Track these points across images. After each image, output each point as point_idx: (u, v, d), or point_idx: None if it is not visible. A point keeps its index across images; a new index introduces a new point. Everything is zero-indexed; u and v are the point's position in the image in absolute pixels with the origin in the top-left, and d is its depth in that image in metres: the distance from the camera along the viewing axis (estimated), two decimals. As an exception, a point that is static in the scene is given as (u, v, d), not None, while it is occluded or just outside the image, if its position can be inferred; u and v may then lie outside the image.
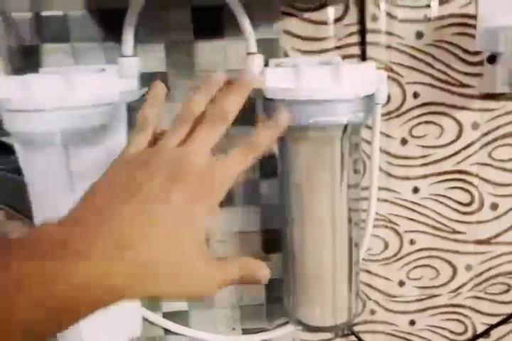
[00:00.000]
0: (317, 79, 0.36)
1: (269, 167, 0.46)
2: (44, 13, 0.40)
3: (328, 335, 0.51)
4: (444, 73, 0.45)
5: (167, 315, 0.48)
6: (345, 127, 0.37)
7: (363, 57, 0.44)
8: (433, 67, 0.45)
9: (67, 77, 0.34)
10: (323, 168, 0.38)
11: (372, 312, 0.51)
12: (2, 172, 0.43)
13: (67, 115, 0.34)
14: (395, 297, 0.51)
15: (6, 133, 0.37)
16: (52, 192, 0.37)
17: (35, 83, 0.34)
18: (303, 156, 0.38)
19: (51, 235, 0.23)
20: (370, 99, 0.38)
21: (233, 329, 0.49)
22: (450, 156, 0.47)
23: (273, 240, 0.47)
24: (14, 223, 0.45)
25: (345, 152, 0.38)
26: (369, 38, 0.44)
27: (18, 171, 0.38)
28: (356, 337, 0.50)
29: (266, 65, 0.41)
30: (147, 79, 0.38)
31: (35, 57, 0.41)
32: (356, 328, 0.51)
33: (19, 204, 0.44)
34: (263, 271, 0.29)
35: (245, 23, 0.37)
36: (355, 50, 0.44)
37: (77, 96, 0.34)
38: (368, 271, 0.50)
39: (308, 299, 0.42)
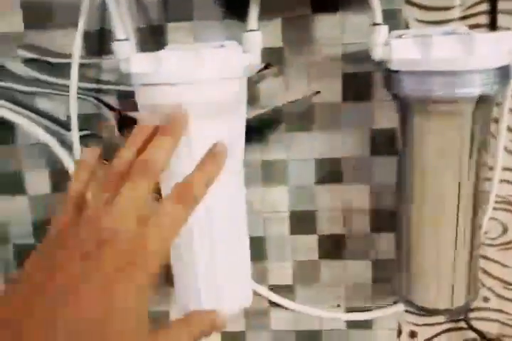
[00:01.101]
0: (447, 49, 0.34)
1: (381, 144, 0.45)
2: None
3: (437, 319, 0.49)
4: None
5: (273, 288, 0.49)
6: (478, 100, 0.35)
7: (492, 27, 0.41)
8: None
9: (197, 52, 0.35)
10: (453, 144, 0.36)
11: (486, 299, 0.48)
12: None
13: (196, 89, 0.35)
14: (511, 284, 0.48)
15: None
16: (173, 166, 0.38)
17: (166, 58, 0.36)
18: (431, 131, 0.37)
19: None
20: (505, 70, 0.35)
21: (338, 305, 0.49)
22: None
23: (382, 220, 0.47)
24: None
25: (476, 128, 0.36)
26: (501, 5, 0.40)
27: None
28: (467, 323, 0.48)
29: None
30: (264, 54, 0.38)
31: (160, 36, 0.43)
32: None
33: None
34: (218, 318, 0.28)
35: (372, -8, 0.36)
36: (484, 19, 0.41)
37: (206, 70, 0.35)
38: (484, 256, 0.47)
39: (424, 280, 0.41)
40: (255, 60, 0.38)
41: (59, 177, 0.47)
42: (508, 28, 0.41)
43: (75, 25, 0.41)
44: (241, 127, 0.39)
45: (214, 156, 0.32)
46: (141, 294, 0.24)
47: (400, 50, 0.36)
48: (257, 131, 0.45)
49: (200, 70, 0.35)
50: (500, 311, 0.49)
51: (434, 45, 0.34)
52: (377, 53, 0.37)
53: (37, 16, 0.43)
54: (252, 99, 0.43)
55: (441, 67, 0.34)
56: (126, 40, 0.38)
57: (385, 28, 0.37)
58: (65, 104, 0.45)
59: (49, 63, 0.44)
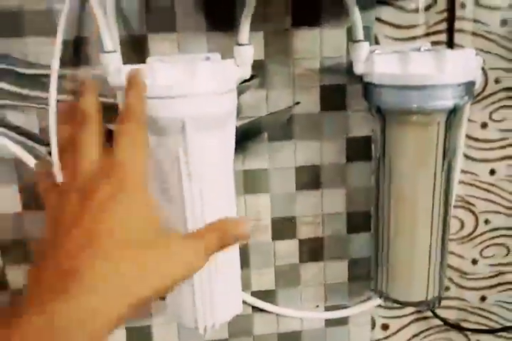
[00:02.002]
0: (423, 65, 0.38)
1: (356, 151, 0.48)
2: (153, 4, 0.41)
3: (405, 311, 0.53)
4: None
5: (255, 294, 0.50)
6: (451, 111, 0.39)
7: (450, 44, 0.45)
8: (516, 53, 0.47)
9: (192, 66, 0.35)
10: (428, 153, 0.40)
11: (447, 288, 0.54)
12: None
13: (192, 102, 0.35)
14: (467, 274, 0.54)
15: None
16: (170, 179, 0.38)
17: (161, 71, 0.35)
18: (408, 139, 0.40)
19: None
20: (472, 83, 0.39)
21: (317, 306, 0.52)
22: (527, 139, 0.49)
23: (357, 221, 0.50)
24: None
25: (448, 136, 0.40)
26: (457, 25, 0.45)
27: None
28: (432, 312, 0.53)
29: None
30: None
31: (142, 47, 0.42)
32: (430, 304, 0.53)
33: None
34: (243, 226, 0.31)
35: (355, 10, 0.39)
36: (443, 38, 0.46)
37: (201, 83, 0.35)
38: (445, 250, 0.52)
39: (402, 276, 0.45)
40: (246, 74, 0.39)
41: (31, 195, 0.44)
42: (461, 46, 0.46)
43: (49, 32, 0.39)
44: (232, 138, 0.40)
45: (133, 77, 0.35)
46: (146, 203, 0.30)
47: (381, 65, 0.39)
48: (240, 141, 0.45)
49: (196, 84, 0.35)
50: (458, 298, 0.54)
51: (411, 61, 0.38)
52: (359, 68, 0.40)
53: (6, 23, 0.40)
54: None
55: (418, 81, 0.38)
56: (114, 51, 0.37)
57: (366, 45, 0.40)
58: (37, 117, 0.42)
59: (20, 73, 0.41)
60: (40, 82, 0.41)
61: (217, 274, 0.40)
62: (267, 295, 0.50)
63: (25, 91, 0.42)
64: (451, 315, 0.54)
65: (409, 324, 0.54)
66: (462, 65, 0.38)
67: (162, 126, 0.36)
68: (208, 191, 0.38)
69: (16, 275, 0.46)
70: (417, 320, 0.54)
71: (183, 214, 0.38)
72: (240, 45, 0.38)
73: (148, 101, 0.35)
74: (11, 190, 0.44)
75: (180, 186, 0.37)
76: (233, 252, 0.42)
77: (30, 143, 0.43)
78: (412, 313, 0.54)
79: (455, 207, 0.50)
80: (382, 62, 0.39)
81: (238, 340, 0.52)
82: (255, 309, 0.51)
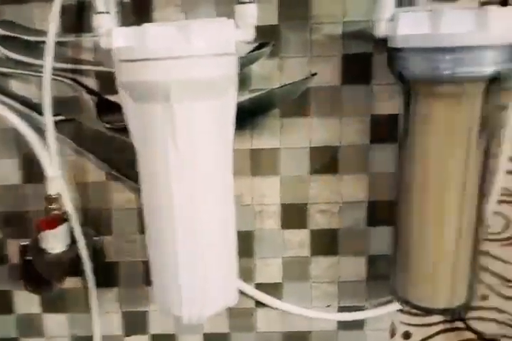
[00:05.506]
0: (458, 24, 0.31)
1: (380, 131, 0.42)
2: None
3: (433, 319, 0.47)
4: None
5: (260, 287, 0.46)
6: (489, 81, 0.32)
7: (504, 4, 0.38)
8: None
9: (184, 26, 0.31)
10: (460, 132, 0.33)
11: (484, 297, 0.46)
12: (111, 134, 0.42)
13: (183, 64, 0.32)
14: (511, 282, 0.46)
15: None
16: (157, 149, 0.34)
17: (150, 32, 0.32)
18: (437, 116, 0.34)
19: None
20: (520, 48, 0.32)
21: (328, 306, 0.46)
22: None
23: (380, 213, 0.43)
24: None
25: (485, 113, 0.33)
26: (512, -18, 0.38)
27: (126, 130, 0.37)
28: (465, 323, 0.46)
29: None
30: (259, 32, 0.34)
31: (146, 13, 0.39)
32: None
33: (125, 165, 0.42)
34: None
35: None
36: (494, -2, 0.38)
37: (193, 45, 0.31)
38: (485, 252, 0.45)
39: (423, 278, 0.38)
40: (248, 36, 0.34)
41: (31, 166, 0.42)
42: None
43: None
44: (231, 111, 0.36)
45: None
46: None
47: (406, 24, 0.33)
48: (248, 116, 0.41)
49: (188, 45, 0.31)
50: (498, 310, 0.47)
51: (444, 19, 0.31)
52: (381, 29, 0.34)
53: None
54: (244, 82, 0.40)
55: (451, 42, 0.31)
56: (107, 12, 0.34)
57: (390, 1, 0.34)
58: (40, 87, 0.40)
59: (26, 41, 0.39)
60: (41, 49, 0.39)
61: (206, 260, 0.36)
62: (272, 289, 0.46)
63: (30, 60, 0.40)
64: (487, 329, 0.47)
65: (435, 334, 0.47)
66: (509, 24, 0.31)
67: (148, 92, 0.32)
68: (198, 167, 0.34)
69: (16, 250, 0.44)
70: (446, 330, 0.47)
71: (170, 195, 0.34)
72: (241, 3, 0.33)
73: (136, 64, 0.32)
74: (10, 161, 0.42)
75: (167, 161, 0.34)
76: (226, 236, 0.37)
77: (33, 114, 0.41)
78: (441, 322, 0.47)
79: (500, 201, 0.43)
80: (408, 21, 0.33)
81: (239, 335, 0.47)
82: (259, 304, 0.46)
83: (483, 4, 0.38)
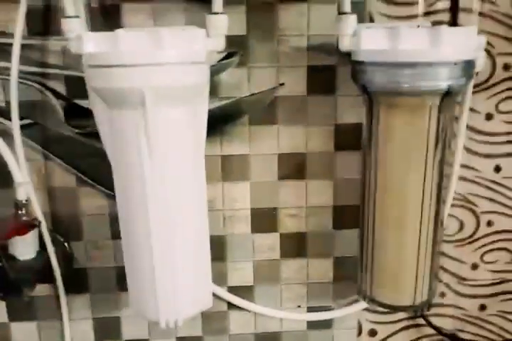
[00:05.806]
0: (415, 41, 0.34)
1: (345, 139, 0.44)
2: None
3: (396, 317, 0.49)
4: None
5: (232, 290, 0.47)
6: (445, 94, 0.35)
7: (453, 24, 0.41)
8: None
9: (156, 34, 0.33)
10: (418, 140, 0.36)
11: (442, 294, 0.49)
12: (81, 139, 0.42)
13: (158, 71, 0.33)
14: (466, 280, 0.49)
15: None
16: (130, 156, 0.35)
17: (123, 38, 0.32)
18: (397, 125, 0.36)
19: None
20: (470, 64, 0.35)
21: (299, 306, 0.48)
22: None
23: (345, 216, 0.46)
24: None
25: (441, 123, 0.36)
26: (461, 3, 0.41)
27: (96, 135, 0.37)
28: (425, 320, 0.48)
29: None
30: (228, 42, 0.36)
31: (115, 18, 0.39)
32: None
33: (95, 170, 0.43)
34: None
35: (342, -19, 0.35)
36: (445, 17, 0.42)
37: (167, 52, 0.32)
38: (441, 252, 0.48)
39: (388, 278, 0.41)
40: (219, 46, 0.36)
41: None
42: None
43: None
44: (204, 117, 0.37)
45: None
46: None
47: (368, 40, 0.35)
48: (218, 123, 0.42)
49: (161, 52, 0.33)
50: (455, 306, 0.50)
51: (402, 36, 0.34)
52: (345, 44, 0.37)
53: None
54: (214, 90, 0.41)
55: (409, 58, 0.34)
56: (76, 17, 0.35)
57: (353, 18, 0.36)
58: (5, 90, 0.40)
59: None
60: (8, 51, 0.39)
61: (181, 264, 0.37)
62: (244, 292, 0.47)
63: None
64: (446, 324, 0.50)
65: (399, 331, 0.50)
66: (460, 42, 0.34)
67: (121, 98, 0.33)
68: (171, 174, 0.35)
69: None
70: (408, 327, 0.50)
71: (144, 199, 0.35)
72: (213, 13, 0.35)
73: (108, 70, 0.33)
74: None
75: (141, 167, 0.34)
76: (200, 241, 0.38)
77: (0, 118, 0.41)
78: (403, 319, 0.49)
79: (454, 205, 0.46)
80: (369, 37, 0.35)
81: (213, 339, 0.48)
82: (231, 306, 0.47)
83: (434, 24, 0.41)
